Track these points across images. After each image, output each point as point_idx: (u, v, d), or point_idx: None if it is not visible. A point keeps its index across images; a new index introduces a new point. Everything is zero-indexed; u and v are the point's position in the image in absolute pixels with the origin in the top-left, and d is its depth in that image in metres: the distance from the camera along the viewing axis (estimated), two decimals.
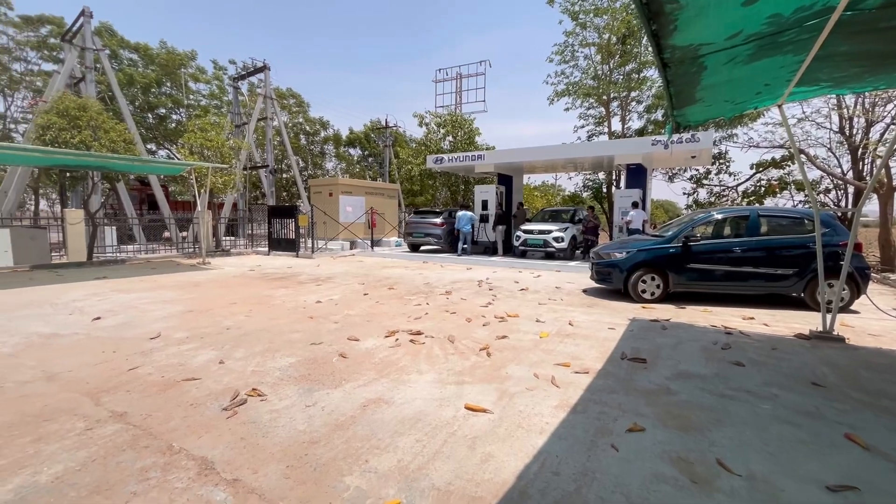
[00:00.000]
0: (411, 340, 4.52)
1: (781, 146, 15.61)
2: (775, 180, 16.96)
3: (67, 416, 2.80)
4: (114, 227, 15.01)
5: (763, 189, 17.12)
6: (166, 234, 19.49)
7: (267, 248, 15.96)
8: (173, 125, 28.47)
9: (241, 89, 25.86)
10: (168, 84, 27.30)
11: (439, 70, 32.41)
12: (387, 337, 4.67)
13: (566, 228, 12.81)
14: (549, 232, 12.69)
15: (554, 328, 5.13)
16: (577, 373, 3.65)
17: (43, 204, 26.23)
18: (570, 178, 25.57)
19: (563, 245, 12.54)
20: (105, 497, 1.99)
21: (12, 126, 24.10)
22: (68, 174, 12.29)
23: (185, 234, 18.36)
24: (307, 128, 37.58)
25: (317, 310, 6.02)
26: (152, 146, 28.53)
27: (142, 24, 73.99)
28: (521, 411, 2.92)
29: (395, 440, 2.53)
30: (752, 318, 5.73)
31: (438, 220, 14.95)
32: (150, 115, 27.64)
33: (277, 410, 2.90)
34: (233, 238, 20.00)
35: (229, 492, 2.04)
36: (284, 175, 33.98)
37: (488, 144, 28.42)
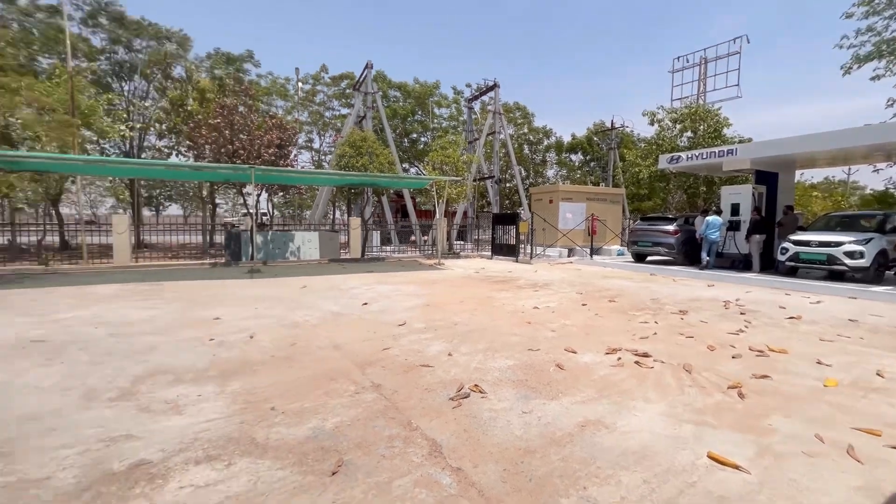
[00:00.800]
0: (636, 362, 4.06)
1: None
2: None
3: (344, 379, 3.60)
4: (378, 232, 18.89)
5: None
6: (412, 237, 23.37)
7: (490, 253, 17.22)
8: (421, 146, 33.93)
9: (474, 108, 28.76)
10: (419, 112, 32.71)
11: (677, 58, 28.69)
12: (607, 354, 4.32)
13: (868, 240, 9.34)
14: (839, 244, 9.49)
15: (848, 376, 3.76)
16: (894, 448, 2.56)
17: (337, 213, 35.41)
18: (876, 170, 18.80)
19: (863, 262, 9.18)
20: (364, 453, 2.45)
21: (322, 157, 33.19)
22: (353, 190, 16.09)
23: (426, 237, 21.61)
24: (531, 137, 38.97)
25: (534, 316, 6.09)
26: (406, 165, 34.69)
27: (403, 63, 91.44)
28: (793, 481, 2.22)
29: (618, 473, 2.27)
30: None
31: (671, 228, 13.16)
32: (405, 140, 33.70)
33: (496, 411, 3.02)
34: (462, 242, 22.42)
35: (454, 479, 2.22)
36: (508, 184, 36.09)
37: (741, 136, 23.52)
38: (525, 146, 39.36)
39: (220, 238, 16.00)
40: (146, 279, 9.55)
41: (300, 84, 28.65)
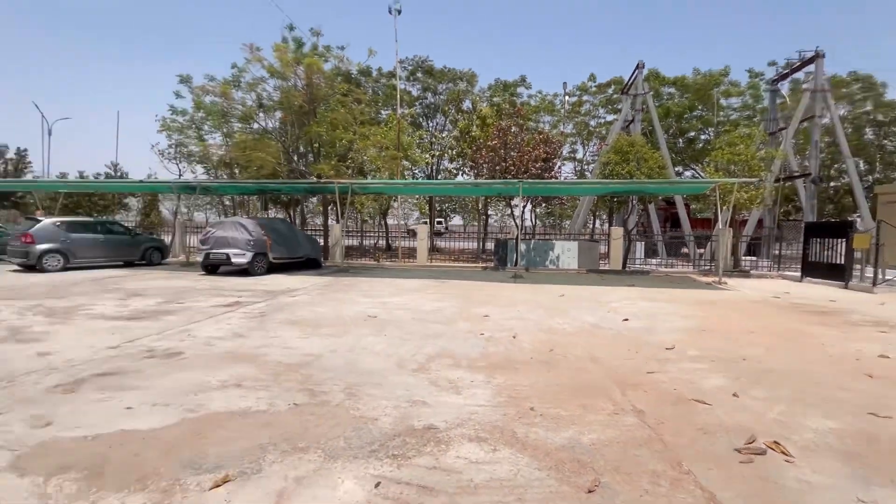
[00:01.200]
0: None
1: None
2: None
3: (601, 395, 3.46)
4: (642, 243, 17.39)
5: None
6: (684, 249, 20.41)
7: (798, 273, 13.24)
8: (700, 145, 29.32)
9: (781, 91, 22.86)
10: (699, 107, 28.37)
11: None
12: None
13: None
14: None
15: None
16: None
17: (597, 223, 34.58)
18: None
19: None
20: (623, 480, 2.27)
21: (585, 167, 33.06)
22: (615, 199, 15.37)
23: (701, 251, 18.49)
24: (879, 117, 28.05)
25: (881, 367, 4.32)
26: (679, 168, 30.64)
27: (682, 55, 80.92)
28: None
29: None
30: None
31: None
32: (680, 140, 29.82)
33: (809, 484, 2.28)
34: (754, 258, 18.12)
35: None
36: (833, 183, 27.08)
37: None
38: (866, 130, 28.58)
39: (490, 245, 18.34)
40: (436, 276, 11.78)
41: (567, 97, 29.44)
